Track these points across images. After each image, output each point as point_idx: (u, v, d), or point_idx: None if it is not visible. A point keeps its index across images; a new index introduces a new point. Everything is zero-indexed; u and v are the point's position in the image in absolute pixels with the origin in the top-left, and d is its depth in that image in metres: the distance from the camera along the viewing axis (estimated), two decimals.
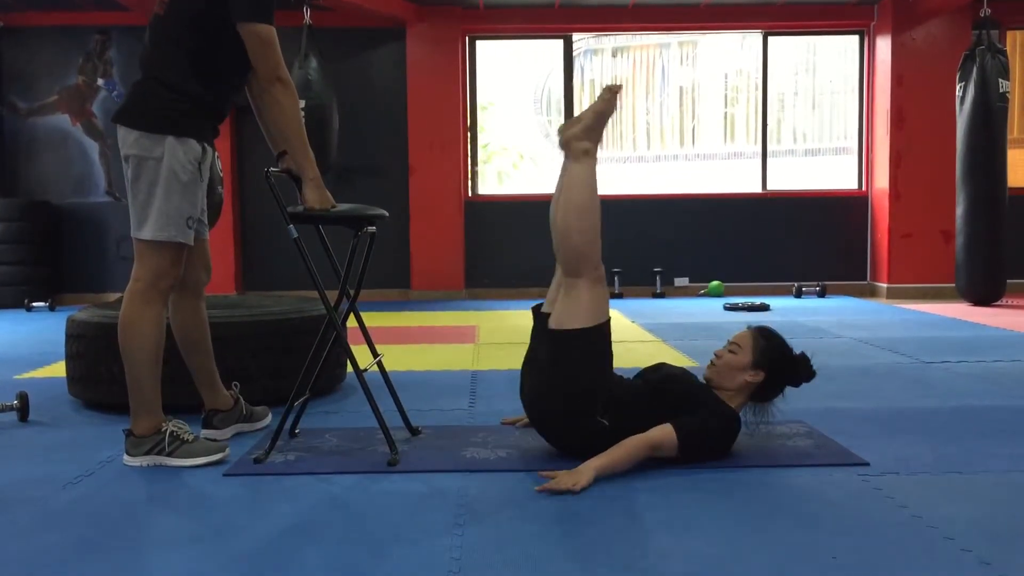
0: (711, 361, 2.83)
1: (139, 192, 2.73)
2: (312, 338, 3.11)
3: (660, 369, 2.89)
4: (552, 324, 2.69)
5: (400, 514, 2.30)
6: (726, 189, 8.81)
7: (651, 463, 2.61)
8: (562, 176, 2.79)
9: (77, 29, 8.38)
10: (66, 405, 3.69)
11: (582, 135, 2.74)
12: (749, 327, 2.88)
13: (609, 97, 2.76)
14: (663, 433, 2.56)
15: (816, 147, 9.03)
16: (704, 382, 2.81)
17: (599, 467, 2.47)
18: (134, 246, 2.77)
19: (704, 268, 8.63)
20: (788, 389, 2.85)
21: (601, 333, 2.69)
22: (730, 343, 2.82)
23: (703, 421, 2.64)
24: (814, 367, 2.82)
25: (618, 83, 2.77)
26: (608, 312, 2.72)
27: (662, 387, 2.74)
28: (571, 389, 2.65)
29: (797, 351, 2.84)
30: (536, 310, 2.84)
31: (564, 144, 2.76)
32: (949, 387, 3.89)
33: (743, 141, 8.99)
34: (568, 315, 2.66)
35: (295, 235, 2.81)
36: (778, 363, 2.77)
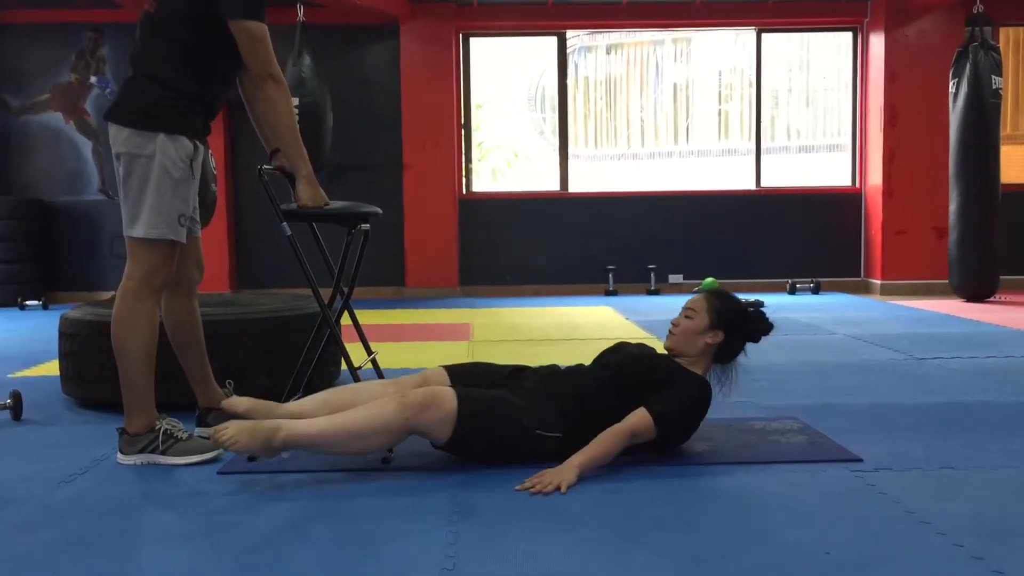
0: (669, 331, 2.85)
1: (131, 190, 2.72)
2: (306, 336, 3.11)
3: (619, 351, 2.90)
4: (438, 446, 2.63)
5: (394, 511, 2.30)
6: (720, 186, 8.82)
7: (648, 454, 2.62)
8: None
9: (70, 26, 8.35)
10: (60, 403, 3.69)
11: None
12: (700, 290, 2.90)
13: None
14: (638, 419, 2.57)
15: (810, 144, 9.04)
16: (665, 353, 2.82)
17: (581, 464, 2.48)
18: (126, 244, 2.76)
19: (698, 265, 8.63)
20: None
21: (464, 424, 2.54)
22: (685, 309, 2.85)
23: (675, 398, 2.65)
24: (770, 320, 2.84)
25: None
26: (448, 406, 2.52)
27: (625, 371, 2.74)
28: (497, 453, 2.63)
29: (749, 307, 2.86)
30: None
31: None
32: (942, 383, 3.90)
33: (737, 138, 9.00)
34: (437, 439, 2.59)
35: (289, 232, 2.81)
36: (735, 320, 2.81)
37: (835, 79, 8.90)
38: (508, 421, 2.59)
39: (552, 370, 2.85)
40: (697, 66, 9.07)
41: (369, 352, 3.09)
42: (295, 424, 2.49)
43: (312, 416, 2.59)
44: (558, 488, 2.39)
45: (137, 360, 2.73)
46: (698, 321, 2.80)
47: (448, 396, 2.54)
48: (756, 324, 2.82)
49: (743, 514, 2.27)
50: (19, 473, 2.71)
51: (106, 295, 8.01)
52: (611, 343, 2.85)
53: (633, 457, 2.61)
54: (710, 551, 2.01)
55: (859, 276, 8.67)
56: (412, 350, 5.13)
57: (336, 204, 2.90)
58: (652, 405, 2.59)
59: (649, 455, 2.66)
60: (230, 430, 2.41)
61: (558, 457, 2.56)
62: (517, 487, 2.43)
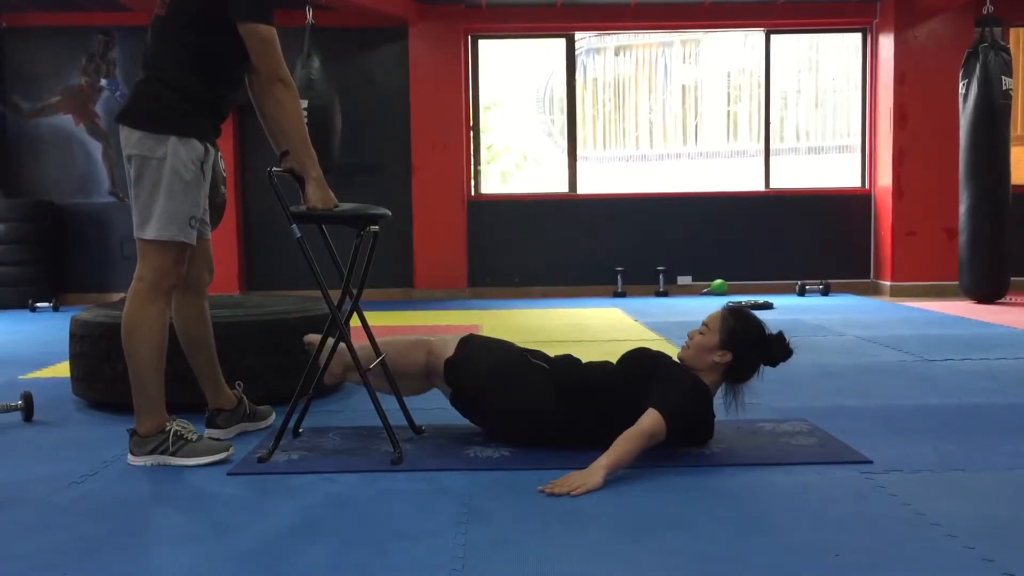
0: (685, 343, 2.87)
1: (142, 192, 2.74)
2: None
3: (635, 353, 2.95)
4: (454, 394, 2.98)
5: (403, 513, 2.30)
6: (729, 187, 8.81)
7: (657, 450, 2.62)
8: None
9: (80, 29, 8.39)
10: (70, 405, 3.70)
11: None
12: (721, 308, 2.90)
13: None
14: (652, 420, 2.57)
15: (819, 145, 9.02)
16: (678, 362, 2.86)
17: (608, 465, 2.48)
18: (137, 246, 2.77)
19: (707, 266, 8.62)
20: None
21: (461, 349, 2.93)
22: (702, 324, 2.85)
23: (679, 395, 2.67)
24: (791, 345, 2.81)
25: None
26: (447, 341, 3.00)
27: (626, 357, 2.86)
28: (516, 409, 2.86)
29: (774, 330, 2.84)
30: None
31: None
32: (952, 385, 3.88)
33: (746, 139, 8.98)
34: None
35: (298, 235, 2.81)
36: (745, 344, 2.78)
37: (844, 80, 8.87)
38: (505, 347, 2.98)
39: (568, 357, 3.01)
40: (706, 67, 9.06)
41: (378, 353, 3.09)
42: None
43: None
44: (590, 490, 2.40)
45: (147, 361, 2.74)
46: (709, 337, 2.79)
47: (451, 339, 3.02)
48: (772, 350, 2.80)
49: (753, 515, 2.26)
50: (30, 474, 2.72)
51: (116, 297, 8.03)
52: (619, 345, 2.86)
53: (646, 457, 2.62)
54: (720, 552, 2.01)
55: (869, 277, 8.64)
56: None
57: (345, 206, 2.91)
58: (661, 406, 2.59)
59: (659, 455, 2.66)
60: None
61: (559, 432, 2.73)
62: (541, 488, 2.42)
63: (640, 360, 2.86)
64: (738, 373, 2.82)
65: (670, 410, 2.59)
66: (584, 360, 2.99)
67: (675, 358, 2.87)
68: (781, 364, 2.83)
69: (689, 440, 2.80)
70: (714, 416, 2.82)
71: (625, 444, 2.54)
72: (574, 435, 2.76)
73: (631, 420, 2.58)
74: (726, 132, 9.08)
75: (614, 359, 2.92)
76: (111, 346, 3.24)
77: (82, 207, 8.49)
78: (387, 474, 2.64)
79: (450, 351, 2.93)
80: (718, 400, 2.83)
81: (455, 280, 8.51)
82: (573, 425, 2.77)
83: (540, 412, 2.78)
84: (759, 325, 2.83)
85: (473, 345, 2.96)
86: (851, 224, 8.64)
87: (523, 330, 6.00)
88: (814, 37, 8.89)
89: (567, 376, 2.84)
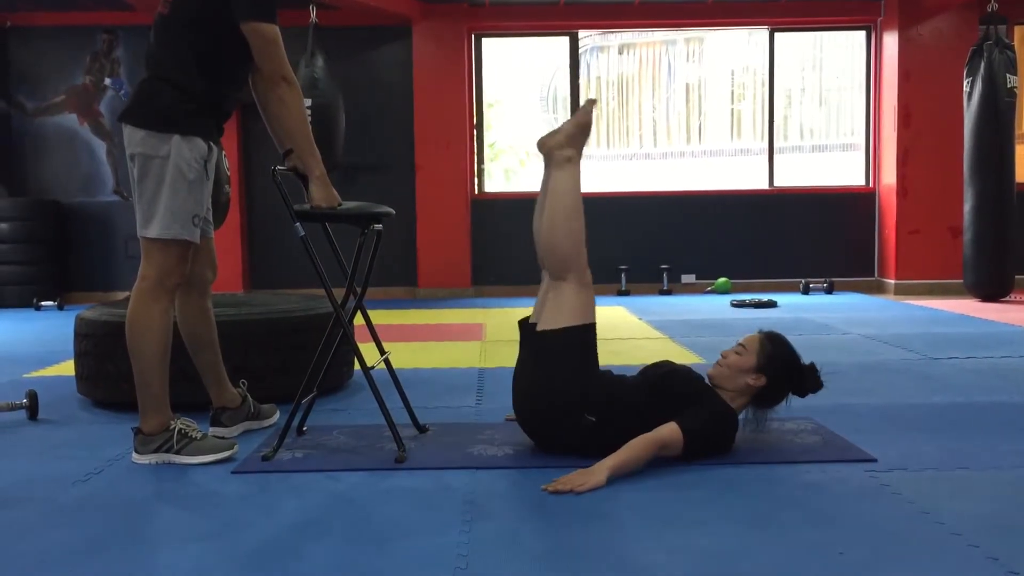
0: (718, 361, 2.83)
1: (145, 190, 2.74)
2: (319, 336, 3.11)
3: (662, 366, 2.89)
4: (539, 326, 2.74)
5: (407, 511, 2.30)
6: (733, 186, 8.80)
7: (656, 459, 2.62)
8: (545, 184, 2.86)
9: (84, 29, 8.40)
10: (75, 403, 3.71)
11: (565, 143, 2.82)
12: (760, 331, 2.88)
13: (590, 109, 2.87)
14: (669, 432, 2.56)
15: (823, 143, 9.01)
16: (707, 380, 2.81)
17: (612, 467, 2.47)
18: (141, 245, 2.78)
19: (711, 265, 8.62)
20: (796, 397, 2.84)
21: (586, 332, 2.73)
22: (738, 344, 2.82)
23: (705, 420, 2.65)
24: (822, 379, 2.80)
25: (595, 97, 2.91)
26: (594, 316, 2.77)
27: (662, 383, 2.75)
28: (556, 386, 2.69)
29: (807, 361, 2.82)
30: (523, 322, 2.86)
31: (547, 153, 2.84)
32: (957, 383, 3.88)
33: (750, 138, 8.97)
34: (554, 316, 2.72)
35: (302, 233, 2.81)
36: (781, 370, 2.77)
37: (848, 78, 8.86)
38: (589, 375, 2.72)
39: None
40: (709, 66, 9.05)
41: (382, 352, 3.10)
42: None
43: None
44: (593, 487, 2.39)
45: (152, 360, 2.74)
46: (745, 359, 2.76)
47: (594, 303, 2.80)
48: (804, 380, 2.79)
49: (757, 514, 2.26)
50: (34, 472, 2.73)
51: (121, 295, 8.05)
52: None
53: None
54: (724, 550, 2.01)
55: (873, 276, 8.63)
56: (425, 350, 5.14)
57: (349, 205, 2.91)
58: (683, 422, 2.58)
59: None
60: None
61: (580, 446, 2.61)
62: (544, 486, 2.42)
63: (672, 378, 2.77)
64: (767, 399, 2.80)
65: (693, 429, 2.58)
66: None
67: (705, 376, 2.83)
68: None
69: (704, 458, 2.76)
70: (734, 441, 2.77)
71: (634, 449, 2.53)
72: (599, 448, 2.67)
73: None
74: (730, 130, 9.07)
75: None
76: (115, 345, 3.25)
77: (86, 206, 8.50)
78: (391, 472, 2.64)
79: (558, 320, 2.72)
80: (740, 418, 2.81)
81: (459, 278, 8.51)
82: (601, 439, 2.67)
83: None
84: (795, 354, 2.81)
85: (575, 332, 2.74)
86: (855, 222, 8.62)
87: None
88: (818, 35, 8.88)
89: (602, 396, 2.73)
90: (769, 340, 2.81)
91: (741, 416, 2.78)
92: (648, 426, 2.59)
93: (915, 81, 8.11)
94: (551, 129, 2.88)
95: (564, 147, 2.82)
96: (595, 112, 2.89)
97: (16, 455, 2.95)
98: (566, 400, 2.67)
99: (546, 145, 2.84)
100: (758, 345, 2.79)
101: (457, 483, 2.51)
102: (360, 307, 3.09)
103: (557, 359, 2.69)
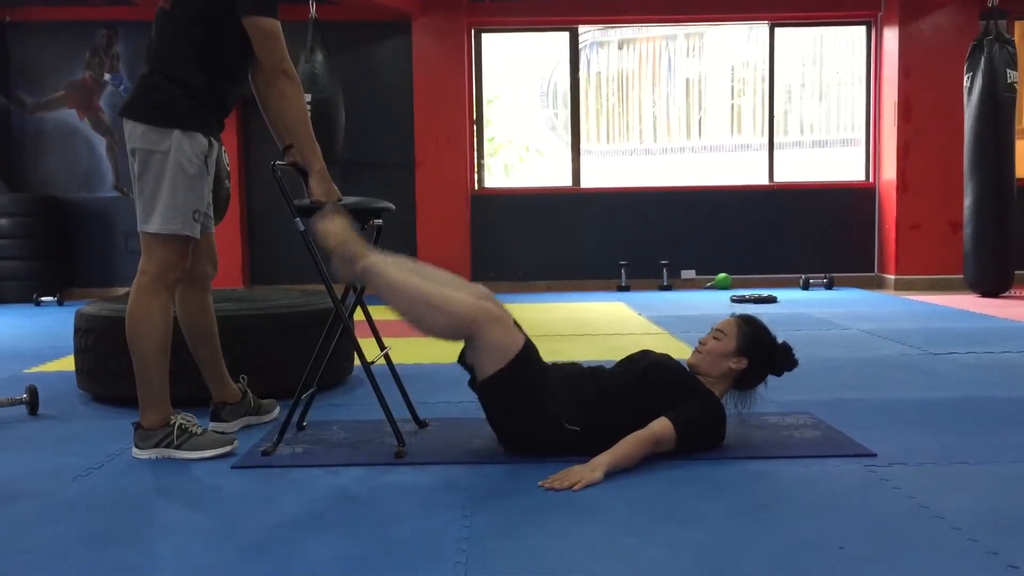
0: (696, 348, 2.84)
1: (146, 185, 2.74)
2: (319, 331, 3.11)
3: (645, 356, 2.88)
4: (477, 378, 2.70)
5: (407, 506, 2.30)
6: (733, 181, 8.80)
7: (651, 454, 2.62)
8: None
9: (84, 24, 8.39)
10: (75, 399, 3.71)
11: (342, 241, 2.66)
12: (733, 315, 2.90)
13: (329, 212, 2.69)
14: (662, 427, 2.57)
15: (823, 139, 9.00)
16: (688, 369, 2.82)
17: (609, 463, 2.48)
18: (141, 240, 2.78)
19: (711, 260, 8.62)
20: (786, 381, 2.83)
21: (518, 363, 2.64)
22: (715, 330, 2.83)
23: (696, 412, 2.65)
24: (796, 357, 2.82)
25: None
26: (519, 340, 2.67)
27: (647, 378, 2.73)
28: (519, 417, 2.68)
29: (780, 340, 2.84)
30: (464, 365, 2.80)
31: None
32: (956, 378, 3.88)
33: (750, 133, 8.97)
34: (482, 366, 2.66)
35: (302, 228, 2.81)
36: (760, 350, 2.79)
37: (849, 73, 8.86)
38: (547, 400, 2.65)
39: (575, 367, 2.87)
40: (710, 61, 9.04)
41: (382, 347, 3.10)
42: (382, 262, 2.66)
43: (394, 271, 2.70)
44: (590, 483, 2.39)
45: (152, 355, 2.74)
46: (725, 344, 2.77)
47: (520, 336, 2.69)
48: (780, 359, 2.80)
49: (756, 508, 2.26)
50: (35, 467, 2.73)
51: (121, 291, 8.05)
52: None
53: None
54: (723, 545, 2.01)
55: (873, 271, 8.63)
56: (425, 345, 5.12)
57: (349, 200, 2.91)
58: (675, 416, 2.59)
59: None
60: (336, 223, 2.59)
61: (574, 451, 2.58)
62: (541, 482, 2.42)
63: (656, 371, 2.75)
64: (746, 381, 2.81)
65: (684, 423, 2.59)
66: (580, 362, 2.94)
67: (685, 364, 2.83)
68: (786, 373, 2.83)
69: (698, 451, 2.76)
70: (725, 431, 2.78)
71: (630, 445, 2.53)
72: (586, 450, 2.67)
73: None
74: (730, 126, 9.06)
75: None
76: (116, 340, 3.24)
77: (86, 202, 8.50)
78: (391, 467, 2.64)
79: (498, 361, 2.62)
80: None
81: (458, 273, 8.47)
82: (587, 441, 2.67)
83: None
84: (772, 334, 2.83)
85: (522, 367, 2.66)
86: (855, 218, 8.62)
87: (526, 324, 5.97)
88: (818, 30, 8.87)
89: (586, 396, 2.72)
90: (746, 322, 2.83)
91: (725, 403, 2.79)
92: (638, 421, 2.59)
93: (915, 76, 8.11)
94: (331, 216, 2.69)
95: (344, 246, 2.64)
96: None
97: (16, 450, 2.96)
98: (537, 425, 2.66)
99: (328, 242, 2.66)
100: (736, 328, 2.80)
101: (457, 478, 2.52)
102: (360, 302, 3.09)
103: (507, 400, 2.67)
